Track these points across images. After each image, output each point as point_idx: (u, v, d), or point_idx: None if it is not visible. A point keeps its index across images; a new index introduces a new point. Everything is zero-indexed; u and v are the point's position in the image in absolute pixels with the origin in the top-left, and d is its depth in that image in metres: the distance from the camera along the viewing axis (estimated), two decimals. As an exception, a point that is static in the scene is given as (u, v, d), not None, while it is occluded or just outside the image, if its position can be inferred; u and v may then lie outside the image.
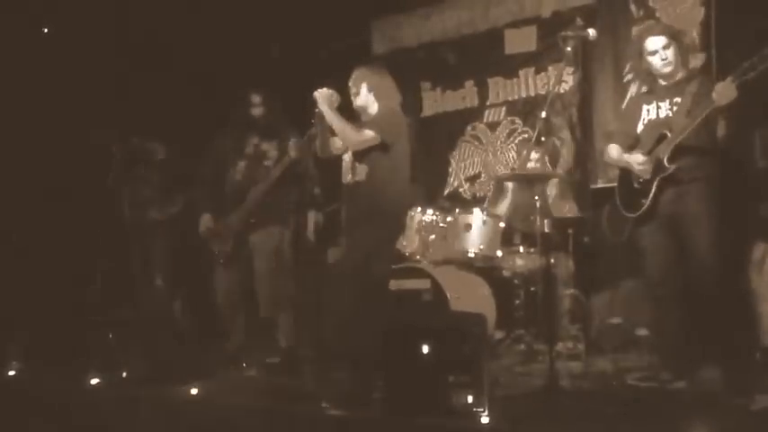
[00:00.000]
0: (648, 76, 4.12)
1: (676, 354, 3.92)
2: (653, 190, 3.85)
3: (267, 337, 4.93)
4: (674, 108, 3.91)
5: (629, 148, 4.06)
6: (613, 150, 4.12)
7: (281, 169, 4.69)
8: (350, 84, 4.20)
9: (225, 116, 5.01)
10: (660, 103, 3.98)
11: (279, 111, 4.93)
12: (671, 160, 3.80)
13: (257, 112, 4.87)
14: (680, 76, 3.98)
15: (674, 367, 3.88)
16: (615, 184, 4.16)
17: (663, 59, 3.94)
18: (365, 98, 4.18)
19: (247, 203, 4.74)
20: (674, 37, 3.96)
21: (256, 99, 4.87)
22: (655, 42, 3.94)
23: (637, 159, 3.96)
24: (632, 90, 5.42)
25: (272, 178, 4.71)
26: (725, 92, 3.59)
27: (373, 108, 4.18)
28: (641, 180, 3.91)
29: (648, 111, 4.03)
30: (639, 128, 4.05)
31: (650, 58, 3.97)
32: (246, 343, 5.00)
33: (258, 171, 4.77)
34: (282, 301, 4.71)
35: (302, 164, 4.71)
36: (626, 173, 4.04)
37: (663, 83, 4.02)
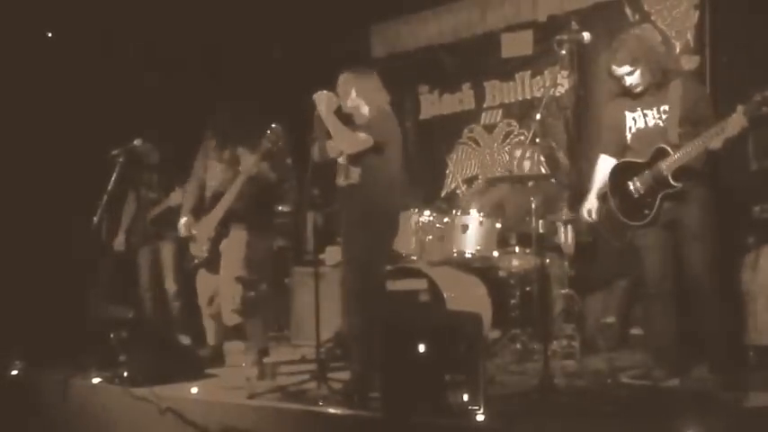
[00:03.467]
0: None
1: (670, 352, 3.97)
2: (657, 204, 3.89)
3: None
4: (663, 116, 3.93)
5: (618, 156, 4.11)
6: (605, 163, 4.17)
7: (245, 177, 4.68)
8: (338, 88, 4.25)
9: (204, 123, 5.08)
10: (646, 111, 4.00)
11: (248, 120, 4.99)
12: (676, 178, 3.82)
13: (227, 121, 4.94)
14: (654, 85, 3.97)
15: (667, 365, 3.93)
16: (607, 189, 4.17)
17: (629, 84, 3.99)
18: (354, 101, 4.23)
19: (217, 209, 4.78)
20: (638, 61, 3.94)
21: (225, 109, 4.95)
22: (618, 71, 3.99)
23: (587, 207, 4.12)
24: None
25: (239, 184, 4.69)
26: (736, 123, 3.63)
27: (364, 111, 4.22)
28: (642, 192, 3.93)
29: (635, 119, 4.04)
30: (628, 137, 4.07)
31: (622, 81, 4.01)
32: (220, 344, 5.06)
33: (232, 176, 4.82)
34: (237, 309, 4.73)
35: (264, 175, 4.75)
36: (619, 181, 4.05)
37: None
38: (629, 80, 3.98)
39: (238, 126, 4.94)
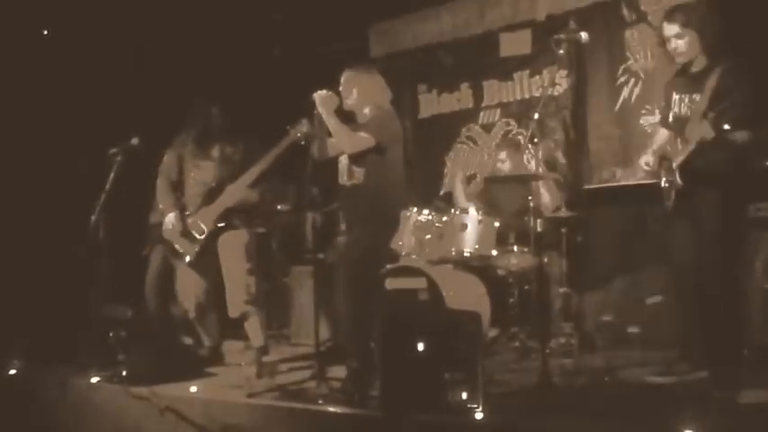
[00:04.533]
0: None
1: (697, 345, 3.90)
2: (672, 198, 3.86)
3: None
4: (692, 107, 3.79)
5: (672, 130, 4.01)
6: (661, 138, 4.07)
7: (282, 149, 4.60)
8: (341, 87, 4.26)
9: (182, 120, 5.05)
10: (683, 96, 3.86)
11: (236, 118, 4.98)
12: (681, 177, 3.77)
13: (216, 122, 4.91)
14: (701, 66, 3.82)
15: (694, 358, 3.87)
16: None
17: (673, 47, 3.82)
18: (357, 100, 4.23)
19: (220, 203, 4.76)
20: (691, 25, 3.75)
21: (214, 111, 4.91)
22: (668, 29, 3.81)
23: (645, 160, 4.00)
24: (625, 92, 5.51)
25: (271, 157, 4.63)
26: (700, 131, 3.56)
27: (366, 110, 4.23)
28: (666, 183, 3.90)
29: (675, 102, 3.91)
30: (671, 118, 3.96)
31: (668, 43, 3.85)
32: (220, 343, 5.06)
33: (227, 173, 4.80)
34: (252, 300, 4.72)
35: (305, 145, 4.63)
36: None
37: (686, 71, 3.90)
38: (674, 43, 3.78)
39: (223, 123, 4.92)
